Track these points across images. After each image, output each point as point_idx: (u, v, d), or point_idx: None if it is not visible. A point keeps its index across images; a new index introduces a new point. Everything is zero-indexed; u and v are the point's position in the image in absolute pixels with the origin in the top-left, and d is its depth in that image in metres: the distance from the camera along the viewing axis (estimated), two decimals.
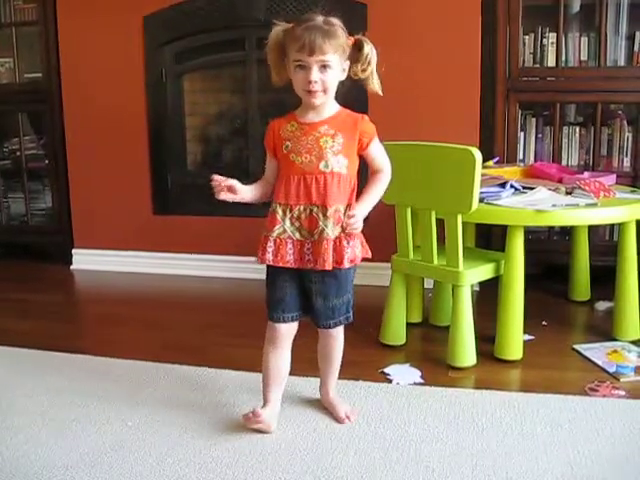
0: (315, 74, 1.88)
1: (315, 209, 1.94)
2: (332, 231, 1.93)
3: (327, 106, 1.98)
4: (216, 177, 1.97)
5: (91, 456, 1.98)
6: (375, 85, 2.00)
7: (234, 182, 1.97)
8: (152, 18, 3.78)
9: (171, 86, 3.86)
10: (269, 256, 1.96)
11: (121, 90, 3.90)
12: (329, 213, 1.93)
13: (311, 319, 2.11)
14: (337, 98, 2.00)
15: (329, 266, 1.93)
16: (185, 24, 3.74)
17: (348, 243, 1.95)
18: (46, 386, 2.45)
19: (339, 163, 1.95)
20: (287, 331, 2.07)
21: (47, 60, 4.02)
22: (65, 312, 3.42)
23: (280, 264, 1.96)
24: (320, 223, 1.93)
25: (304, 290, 2.06)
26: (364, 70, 1.96)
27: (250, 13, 3.59)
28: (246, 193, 2.02)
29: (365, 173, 2.06)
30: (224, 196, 1.98)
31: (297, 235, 1.96)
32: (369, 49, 1.95)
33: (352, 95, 2.06)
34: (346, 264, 1.95)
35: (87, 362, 2.67)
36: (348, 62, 1.95)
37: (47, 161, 4.22)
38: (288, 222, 1.96)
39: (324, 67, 1.88)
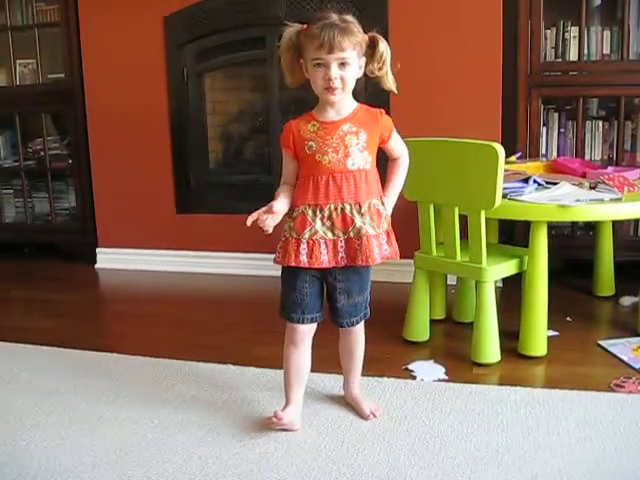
0: (335, 71, 1.87)
1: (348, 207, 1.94)
2: (371, 226, 1.95)
3: (346, 104, 1.97)
4: (250, 218, 1.90)
5: (118, 453, 1.99)
6: (390, 83, 2.00)
7: (268, 207, 1.92)
8: (172, 18, 3.80)
9: (192, 85, 3.88)
10: (304, 258, 1.94)
11: (143, 90, 3.93)
12: (364, 210, 1.94)
13: (331, 319, 2.11)
14: (357, 94, 2.00)
15: (373, 261, 1.94)
16: (205, 23, 3.76)
17: (385, 239, 1.98)
18: (72, 384, 2.48)
19: (365, 160, 1.96)
20: (307, 331, 2.07)
21: (69, 61, 4.07)
22: (90, 311, 3.45)
23: (316, 265, 1.95)
24: (356, 221, 1.94)
25: (323, 290, 2.07)
26: (380, 68, 1.96)
27: (270, 11, 3.59)
28: (283, 206, 1.97)
29: (383, 164, 2.07)
30: (273, 222, 1.92)
31: (329, 235, 1.95)
32: (384, 47, 1.95)
33: (372, 91, 2.07)
34: (378, 259, 1.96)
35: (111, 360, 2.69)
36: (364, 59, 1.94)
37: (70, 161, 4.27)
38: (319, 222, 1.95)
39: (343, 64, 1.88)
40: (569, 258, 3.44)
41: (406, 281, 2.86)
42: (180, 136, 3.94)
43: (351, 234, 1.95)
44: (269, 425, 2.06)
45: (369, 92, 2.21)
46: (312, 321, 2.06)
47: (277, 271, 2.08)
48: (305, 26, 1.92)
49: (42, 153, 4.32)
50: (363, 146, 1.95)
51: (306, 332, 2.07)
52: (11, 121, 4.32)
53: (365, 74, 1.98)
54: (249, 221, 1.91)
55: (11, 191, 4.53)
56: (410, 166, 2.09)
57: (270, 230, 1.92)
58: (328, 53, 1.86)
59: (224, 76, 3.99)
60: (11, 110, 4.28)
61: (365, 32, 1.94)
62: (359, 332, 2.15)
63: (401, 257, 2.07)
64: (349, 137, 1.94)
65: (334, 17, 1.88)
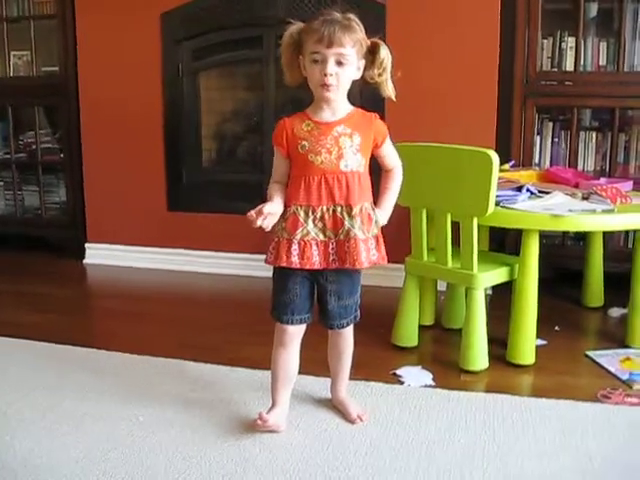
0: (332, 67, 1.86)
1: (339, 209, 1.93)
2: (360, 230, 1.93)
3: (341, 105, 1.97)
4: (249, 215, 1.89)
5: (102, 450, 1.98)
6: (389, 90, 1.99)
7: (262, 209, 1.89)
8: (170, 14, 3.78)
9: (187, 83, 3.87)
10: (295, 259, 1.93)
11: (137, 86, 3.91)
12: (354, 212, 1.93)
13: (321, 321, 2.10)
14: (353, 99, 2.00)
15: (360, 265, 1.93)
16: (203, 21, 3.75)
17: (373, 244, 1.97)
18: (58, 379, 2.46)
19: (358, 162, 1.95)
20: (296, 332, 2.07)
21: (64, 54, 4.05)
22: (77, 306, 3.43)
23: (307, 266, 1.94)
24: (346, 223, 1.93)
25: (313, 291, 2.06)
26: (380, 75, 1.96)
27: (268, 11, 3.59)
28: (277, 207, 1.94)
29: (376, 171, 2.06)
30: (270, 222, 1.91)
31: (321, 236, 1.94)
32: (385, 53, 1.95)
33: (369, 95, 2.06)
34: (365, 263, 1.94)
35: (99, 357, 2.67)
36: (363, 61, 1.94)
37: (62, 155, 4.25)
38: (311, 223, 1.94)
39: (340, 63, 1.87)
40: (559, 267, 3.44)
41: (396, 286, 2.86)
42: (173, 133, 3.93)
43: (341, 236, 1.94)
44: (254, 427, 2.06)
45: (364, 97, 2.20)
46: (301, 322, 2.05)
47: (268, 272, 2.07)
48: (306, 24, 1.92)
49: (34, 146, 4.30)
50: (357, 148, 1.94)
51: (295, 333, 2.06)
52: (3, 113, 4.30)
53: (365, 79, 1.97)
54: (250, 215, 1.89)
55: (1, 183, 4.50)
56: (403, 171, 2.09)
57: (269, 228, 1.92)
58: (327, 47, 1.85)
59: (220, 75, 3.98)
60: (3, 102, 4.26)
61: (368, 38, 1.93)
62: (348, 335, 2.14)
63: (392, 262, 2.07)
64: (343, 139, 1.94)
65: (337, 15, 1.89)
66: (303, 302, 2.04)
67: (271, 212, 1.92)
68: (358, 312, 2.13)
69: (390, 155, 2.06)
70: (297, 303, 2.03)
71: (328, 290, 2.03)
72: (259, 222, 1.88)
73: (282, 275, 2.02)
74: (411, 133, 2.74)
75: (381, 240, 2.01)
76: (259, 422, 2.03)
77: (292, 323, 2.04)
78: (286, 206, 1.98)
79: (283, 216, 1.97)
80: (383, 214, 2.03)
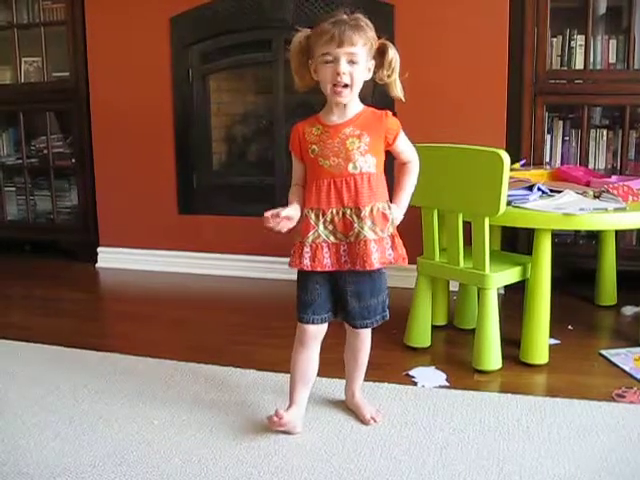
0: (344, 66, 1.86)
1: (348, 211, 1.93)
2: (371, 230, 1.93)
3: (351, 106, 1.96)
4: (267, 215, 1.92)
5: (117, 454, 1.99)
6: (398, 91, 1.99)
7: (281, 212, 1.92)
8: (179, 18, 3.80)
9: (197, 86, 3.88)
10: (306, 262, 1.95)
11: (147, 90, 3.93)
12: (363, 214, 1.92)
13: (345, 320, 2.10)
14: (364, 100, 2.00)
15: (370, 266, 1.92)
16: (212, 25, 3.76)
17: (389, 244, 1.96)
18: (72, 383, 2.47)
19: (367, 163, 1.94)
20: (316, 332, 2.07)
21: (75, 59, 4.08)
22: (90, 310, 3.45)
23: (318, 269, 1.95)
24: (355, 225, 1.93)
25: (336, 292, 2.06)
26: (389, 75, 1.96)
27: (277, 14, 3.59)
28: (297, 211, 1.98)
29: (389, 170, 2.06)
30: (286, 225, 1.94)
31: (332, 238, 1.95)
32: (393, 53, 1.95)
33: (379, 96, 2.06)
34: (376, 264, 1.94)
35: (112, 360, 2.68)
36: (373, 62, 1.94)
37: (73, 160, 4.27)
38: (322, 226, 1.95)
39: (352, 62, 1.87)
40: (571, 266, 3.43)
41: (408, 286, 2.86)
42: (184, 137, 3.94)
43: (352, 238, 1.94)
44: (270, 425, 2.05)
45: (376, 97, 2.20)
46: (321, 322, 2.05)
47: (280, 274, 2.09)
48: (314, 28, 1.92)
49: (45, 151, 4.33)
50: (365, 149, 1.94)
51: (315, 333, 2.06)
52: (15, 119, 4.34)
53: (374, 81, 1.97)
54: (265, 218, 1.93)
55: (13, 189, 4.54)
56: None
57: (284, 230, 1.94)
58: (338, 47, 1.85)
59: (229, 78, 3.99)
60: (15, 108, 4.29)
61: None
62: (366, 337, 2.13)
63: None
64: (351, 140, 1.94)
65: (344, 16, 1.89)
66: (324, 302, 2.04)
67: (288, 216, 1.94)
68: (386, 312, 2.09)
69: (405, 151, 2.04)
70: (318, 303, 2.03)
71: (347, 292, 2.03)
72: (274, 225, 1.91)
73: (303, 276, 2.04)
74: (421, 133, 2.72)
75: (398, 240, 1.99)
76: (275, 419, 2.02)
77: (312, 323, 2.04)
78: (301, 209, 2.00)
79: (299, 219, 1.99)
80: (398, 210, 2.01)
